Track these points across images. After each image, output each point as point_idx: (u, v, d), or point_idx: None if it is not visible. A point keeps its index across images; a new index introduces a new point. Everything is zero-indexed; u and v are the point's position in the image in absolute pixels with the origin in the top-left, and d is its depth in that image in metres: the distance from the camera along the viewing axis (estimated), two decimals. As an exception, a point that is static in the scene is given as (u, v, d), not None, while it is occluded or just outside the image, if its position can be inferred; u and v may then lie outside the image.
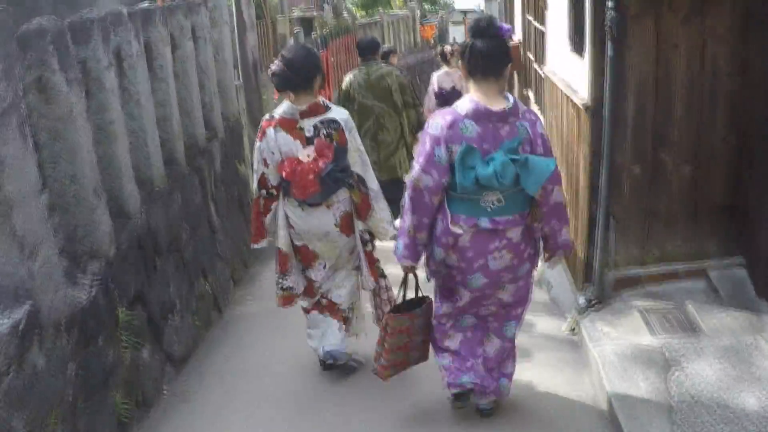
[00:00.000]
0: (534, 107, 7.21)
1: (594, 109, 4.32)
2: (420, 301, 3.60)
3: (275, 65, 3.76)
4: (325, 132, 3.75)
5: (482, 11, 30.62)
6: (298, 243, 3.97)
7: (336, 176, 3.76)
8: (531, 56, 7.40)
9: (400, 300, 3.61)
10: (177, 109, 5.11)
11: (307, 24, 16.52)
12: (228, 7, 8.46)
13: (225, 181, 6.10)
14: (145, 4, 4.97)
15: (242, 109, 7.31)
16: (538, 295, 5.49)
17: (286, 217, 3.91)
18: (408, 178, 3.27)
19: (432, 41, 22.89)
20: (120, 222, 4.04)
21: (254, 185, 3.94)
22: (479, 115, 3.08)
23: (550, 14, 5.86)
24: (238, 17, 9.13)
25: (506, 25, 3.21)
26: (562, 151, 5.30)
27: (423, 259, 3.44)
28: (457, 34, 27.92)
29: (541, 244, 3.44)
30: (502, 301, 3.43)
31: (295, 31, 14.64)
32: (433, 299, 3.62)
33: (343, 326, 4.15)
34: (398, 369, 3.70)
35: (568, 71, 5.01)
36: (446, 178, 3.14)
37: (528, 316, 4.70)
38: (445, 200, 3.20)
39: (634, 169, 4.42)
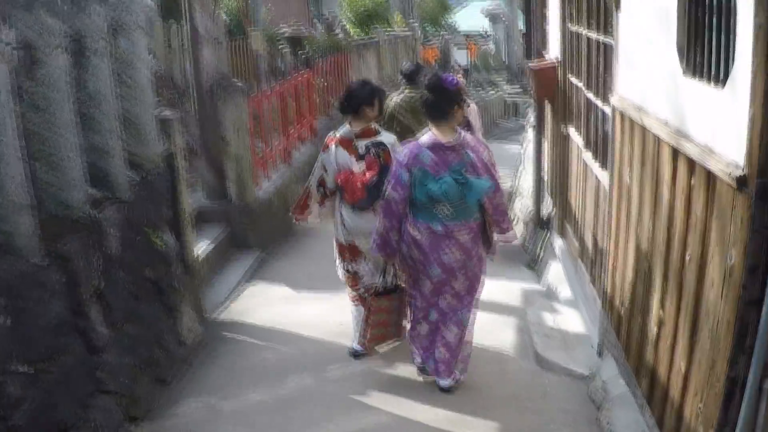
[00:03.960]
0: (584, 156, 5.13)
1: (761, 185, 2.27)
2: (395, 288, 4.57)
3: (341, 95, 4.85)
4: (374, 151, 4.66)
5: (487, 33, 29.07)
6: (348, 240, 4.76)
7: (380, 186, 4.42)
8: (577, 81, 5.36)
9: (379, 286, 4.55)
10: (20, 163, 3.06)
11: (295, 43, 14.75)
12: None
13: (128, 263, 4.02)
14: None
15: (184, 146, 5.26)
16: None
17: (341, 216, 4.75)
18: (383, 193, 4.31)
19: (435, 65, 21.09)
20: None
21: (312, 182, 4.83)
22: (434, 146, 4.12)
23: (628, 16, 3.81)
24: (192, 29, 7.11)
25: (452, 77, 4.23)
26: (657, 247, 3.25)
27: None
28: (461, 57, 26.16)
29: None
30: (455, 290, 4.24)
31: (281, 49, 12.91)
32: (406, 289, 4.55)
33: None
34: (378, 341, 4.77)
35: (680, 109, 2.94)
36: (408, 193, 4.15)
37: None
38: (409, 209, 4.19)
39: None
